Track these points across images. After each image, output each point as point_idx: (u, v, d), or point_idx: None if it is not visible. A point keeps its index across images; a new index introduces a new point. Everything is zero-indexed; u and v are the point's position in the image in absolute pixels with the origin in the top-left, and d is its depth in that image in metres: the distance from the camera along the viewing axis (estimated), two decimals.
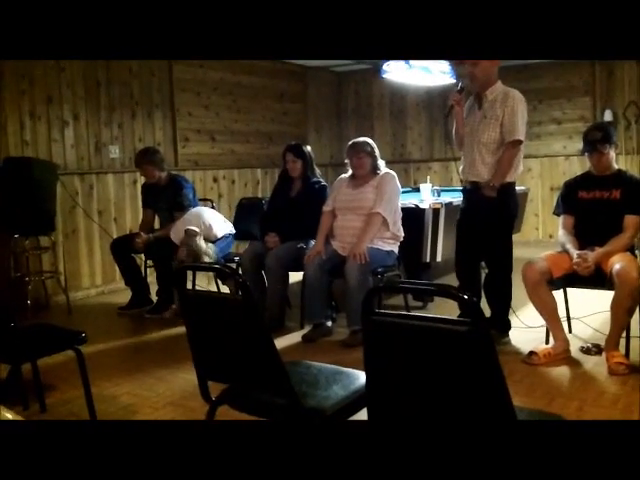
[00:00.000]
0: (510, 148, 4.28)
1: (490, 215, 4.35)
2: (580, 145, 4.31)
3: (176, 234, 5.50)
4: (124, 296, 6.04)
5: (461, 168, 4.57)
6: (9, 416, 1.18)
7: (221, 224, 5.73)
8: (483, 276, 4.57)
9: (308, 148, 5.40)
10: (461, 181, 4.65)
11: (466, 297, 1.57)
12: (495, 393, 1.55)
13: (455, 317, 1.66)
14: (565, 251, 4.15)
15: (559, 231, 4.31)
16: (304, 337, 4.80)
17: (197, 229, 5.38)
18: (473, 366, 1.56)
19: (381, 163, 4.97)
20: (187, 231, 5.38)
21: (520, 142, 4.29)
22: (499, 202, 4.31)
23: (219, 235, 5.62)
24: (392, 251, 4.89)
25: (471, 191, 4.49)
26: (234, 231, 5.84)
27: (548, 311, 4.13)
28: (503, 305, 4.46)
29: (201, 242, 5.32)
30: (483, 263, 4.58)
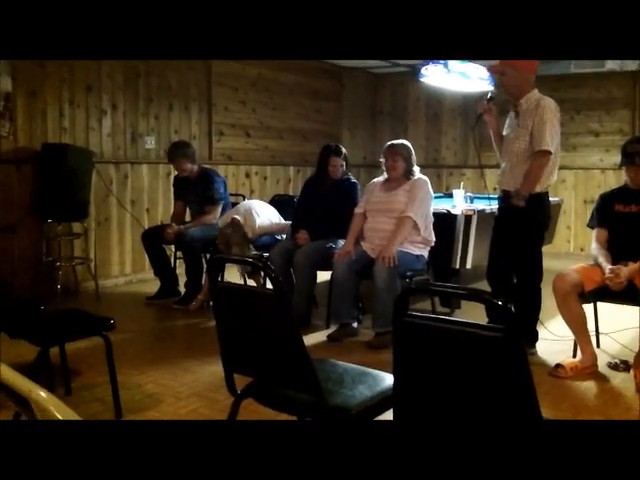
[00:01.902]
0: (538, 158, 4.21)
1: (518, 224, 4.32)
2: (617, 158, 4.26)
3: (224, 219, 5.65)
4: (152, 286, 6.09)
5: (498, 176, 4.57)
6: (43, 394, 1.20)
7: (270, 221, 5.76)
8: None
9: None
10: (494, 189, 4.64)
11: (499, 303, 1.56)
12: (524, 400, 1.54)
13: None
14: (597, 264, 4.10)
15: (592, 244, 4.26)
16: (330, 336, 4.80)
17: (241, 220, 5.45)
18: (503, 372, 1.55)
19: (416, 169, 4.96)
20: (233, 219, 5.48)
21: (548, 153, 4.21)
22: (527, 212, 4.26)
23: (264, 228, 5.65)
24: (422, 255, 4.88)
25: (503, 199, 4.48)
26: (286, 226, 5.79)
27: (577, 324, 4.08)
28: (531, 316, 4.41)
29: (238, 233, 5.37)
30: None
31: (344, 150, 5.36)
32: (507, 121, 4.52)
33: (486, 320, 3.76)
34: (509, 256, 4.41)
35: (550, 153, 4.20)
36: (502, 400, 1.58)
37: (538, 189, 4.27)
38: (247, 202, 6.03)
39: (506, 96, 4.46)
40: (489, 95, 4.51)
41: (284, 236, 5.61)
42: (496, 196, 4.72)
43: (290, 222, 5.61)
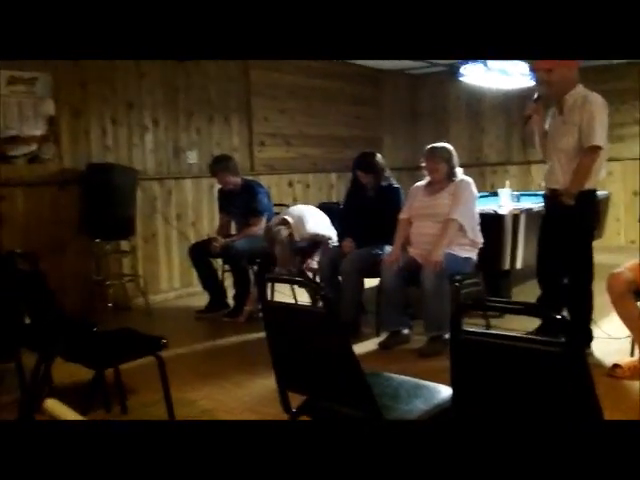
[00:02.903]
0: (588, 154, 4.13)
1: (568, 223, 4.23)
2: None
3: (275, 219, 5.68)
4: (202, 299, 6.12)
5: (544, 175, 4.48)
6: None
7: (319, 227, 5.73)
8: None
9: (378, 157, 5.33)
10: (539, 185, 4.57)
11: (558, 317, 1.52)
12: (588, 414, 1.50)
13: (543, 337, 1.61)
14: None
15: None
16: (380, 344, 4.76)
17: (291, 221, 5.47)
18: (566, 387, 1.51)
19: (458, 171, 4.90)
20: (283, 219, 5.51)
21: (599, 148, 4.12)
22: (577, 210, 4.18)
23: (311, 233, 5.62)
24: (470, 258, 4.81)
25: (550, 198, 4.39)
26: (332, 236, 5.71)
27: (633, 323, 3.97)
28: (584, 315, 4.32)
29: (284, 233, 5.37)
30: None
31: (377, 160, 5.28)
32: (549, 119, 4.44)
33: (537, 323, 3.72)
34: (558, 256, 4.33)
35: (601, 148, 4.12)
36: (565, 414, 1.54)
37: (587, 186, 4.19)
38: (299, 207, 6.00)
39: (548, 92, 4.37)
40: (536, 95, 4.42)
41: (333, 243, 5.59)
42: (542, 192, 4.63)
43: (335, 233, 5.60)
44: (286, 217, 5.53)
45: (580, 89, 4.23)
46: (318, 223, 5.70)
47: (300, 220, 5.56)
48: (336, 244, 5.49)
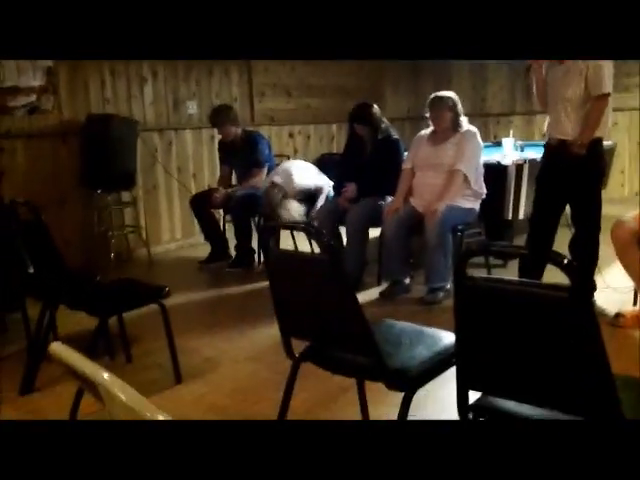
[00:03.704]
0: (598, 103, 4.08)
1: (578, 173, 4.19)
2: None
3: (265, 183, 5.65)
4: (203, 250, 6.11)
5: (546, 125, 4.41)
6: (107, 377, 1.20)
7: (309, 180, 5.70)
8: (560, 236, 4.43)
9: (375, 109, 5.21)
10: (543, 135, 4.51)
11: (565, 262, 1.50)
12: (595, 362, 1.49)
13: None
14: None
15: None
16: (382, 294, 4.77)
17: (279, 182, 5.43)
18: (572, 334, 1.50)
19: (463, 119, 4.84)
20: (272, 182, 5.50)
21: (608, 95, 4.08)
22: (588, 159, 4.14)
23: (302, 187, 5.60)
24: (473, 208, 4.79)
25: (557, 148, 4.31)
26: (325, 185, 5.72)
27: (637, 272, 3.97)
28: (589, 266, 4.31)
29: (278, 196, 5.36)
30: (569, 222, 4.45)
31: (374, 111, 5.18)
32: (546, 68, 4.34)
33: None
34: (558, 206, 4.31)
35: (609, 96, 4.07)
36: (571, 363, 1.53)
37: (597, 134, 4.14)
38: (286, 163, 5.98)
39: None
40: None
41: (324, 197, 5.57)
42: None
43: (328, 183, 5.58)
44: (274, 179, 5.51)
45: None
46: (305, 176, 5.66)
47: (288, 177, 5.53)
48: (332, 195, 5.48)
